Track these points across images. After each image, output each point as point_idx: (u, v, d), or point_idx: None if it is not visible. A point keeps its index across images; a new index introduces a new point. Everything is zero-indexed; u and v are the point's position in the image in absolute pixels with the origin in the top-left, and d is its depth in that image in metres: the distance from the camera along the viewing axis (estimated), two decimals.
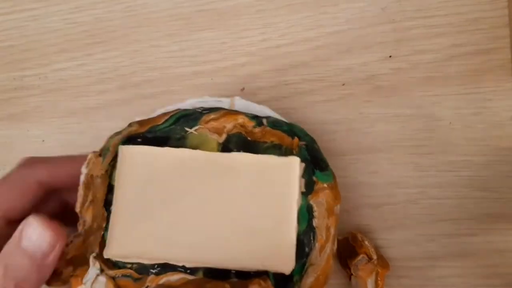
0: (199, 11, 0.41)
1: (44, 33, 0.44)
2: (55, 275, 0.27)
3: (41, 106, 0.44)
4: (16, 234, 0.26)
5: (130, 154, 0.30)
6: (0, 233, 0.27)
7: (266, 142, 0.31)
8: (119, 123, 0.42)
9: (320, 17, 0.38)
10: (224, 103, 0.33)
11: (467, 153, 0.35)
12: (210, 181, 0.29)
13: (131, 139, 0.31)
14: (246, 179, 0.29)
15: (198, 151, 0.30)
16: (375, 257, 0.33)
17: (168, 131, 0.31)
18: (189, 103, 0.33)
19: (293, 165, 0.30)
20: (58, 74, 0.44)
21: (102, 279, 0.28)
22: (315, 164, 0.31)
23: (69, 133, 0.43)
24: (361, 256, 0.34)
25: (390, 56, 0.37)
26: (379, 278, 0.33)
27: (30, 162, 0.29)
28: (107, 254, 0.28)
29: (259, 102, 0.39)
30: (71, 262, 0.28)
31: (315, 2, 0.38)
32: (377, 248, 0.35)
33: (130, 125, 0.31)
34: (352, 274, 0.34)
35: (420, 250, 0.35)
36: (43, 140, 0.44)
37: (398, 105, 0.36)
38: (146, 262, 0.29)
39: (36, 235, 0.26)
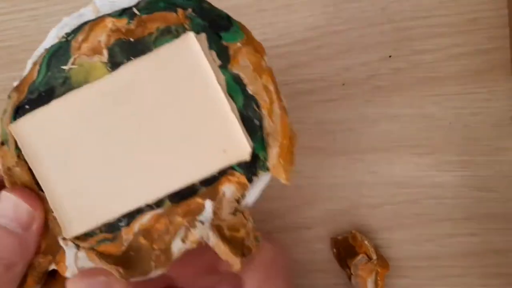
0: None
1: (44, 33, 0.44)
2: (49, 276, 0.27)
3: None
4: None
5: (23, 130, 0.26)
6: None
7: (151, 33, 0.26)
8: None
9: (320, 17, 0.38)
10: (86, 13, 0.27)
11: (467, 153, 0.35)
12: (117, 111, 0.25)
13: (18, 111, 0.27)
14: (150, 89, 0.25)
15: (84, 88, 0.25)
16: (375, 257, 0.33)
17: (48, 82, 0.26)
18: (52, 35, 0.27)
19: (190, 43, 0.25)
20: None
21: (82, 254, 0.26)
22: (216, 27, 0.26)
23: None
24: (361, 256, 0.34)
25: (390, 56, 0.37)
26: (379, 278, 0.33)
27: None
28: (67, 235, 0.26)
29: None
30: (47, 252, 0.27)
31: (315, 2, 0.38)
32: (377, 248, 0.35)
33: (9, 97, 0.27)
34: (352, 274, 0.34)
35: (420, 250, 0.35)
36: None
37: (398, 105, 0.36)
38: (110, 220, 0.26)
39: (11, 209, 0.25)
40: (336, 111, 0.37)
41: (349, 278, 0.35)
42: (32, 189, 0.26)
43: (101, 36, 0.26)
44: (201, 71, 0.25)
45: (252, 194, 0.26)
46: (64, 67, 0.26)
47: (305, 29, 0.38)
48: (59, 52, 0.26)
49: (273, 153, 0.26)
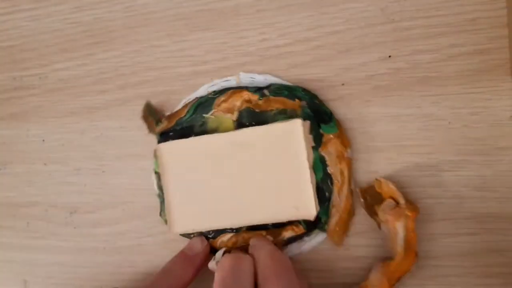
0: (199, 11, 0.41)
1: (44, 33, 0.44)
2: None
3: (41, 106, 0.44)
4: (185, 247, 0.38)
5: (166, 150, 0.37)
6: None
7: (272, 110, 0.36)
8: (119, 123, 0.42)
9: (320, 17, 0.38)
10: (231, 81, 0.38)
11: (466, 152, 0.35)
12: (232, 157, 0.35)
13: (163, 134, 0.38)
14: (261, 148, 0.35)
15: (215, 135, 0.36)
16: (402, 201, 0.33)
17: (191, 121, 0.38)
18: (203, 88, 0.39)
19: (296, 126, 0.34)
20: (58, 74, 0.44)
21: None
22: (319, 119, 0.36)
23: (69, 133, 0.43)
24: (387, 200, 0.34)
25: (389, 56, 0.37)
26: (409, 222, 0.33)
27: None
28: (171, 231, 0.37)
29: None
30: None
31: (315, 2, 0.38)
32: (404, 193, 0.35)
33: (160, 122, 0.38)
34: (382, 221, 0.34)
35: (419, 250, 0.35)
36: (43, 140, 0.44)
37: (398, 105, 0.36)
38: (202, 231, 0.37)
39: (197, 245, 0.37)
40: (336, 111, 0.37)
41: (379, 226, 0.35)
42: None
43: (237, 102, 0.37)
44: (298, 147, 0.34)
45: (307, 246, 0.37)
46: (205, 114, 0.38)
47: (305, 29, 0.38)
48: (205, 103, 0.38)
49: (333, 221, 0.35)
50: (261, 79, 0.38)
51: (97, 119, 0.43)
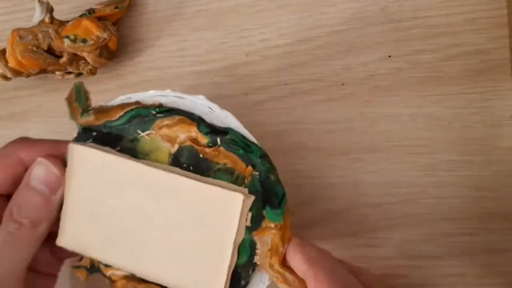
0: (199, 11, 0.41)
1: None
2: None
3: (41, 106, 0.44)
4: (25, 176, 0.29)
5: (80, 155, 0.30)
6: None
7: (218, 163, 0.29)
8: None
9: (320, 17, 0.38)
10: (186, 100, 0.30)
11: (466, 152, 0.35)
12: (155, 197, 0.29)
13: (86, 130, 0.31)
14: (190, 204, 0.28)
15: (147, 169, 0.29)
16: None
17: (122, 130, 0.30)
18: (150, 94, 0.30)
19: (236, 200, 0.28)
20: (57, 73, 0.44)
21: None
22: (267, 199, 0.29)
23: (69, 133, 0.43)
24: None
25: (389, 56, 0.37)
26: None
27: (19, 141, 0.31)
28: (58, 242, 0.30)
29: (259, 102, 0.39)
30: None
31: (315, 2, 0.38)
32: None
33: (87, 113, 0.31)
34: None
35: (419, 250, 0.35)
36: None
37: (398, 105, 0.36)
38: (89, 256, 0.31)
39: (44, 173, 0.29)
40: (336, 111, 0.37)
41: None
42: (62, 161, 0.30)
43: (181, 135, 0.29)
44: (229, 222, 0.28)
45: None
46: (139, 131, 0.30)
47: (305, 29, 0.38)
48: (145, 118, 0.30)
49: None
50: (221, 116, 0.30)
51: None
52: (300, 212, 0.37)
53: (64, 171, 0.30)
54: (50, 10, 0.39)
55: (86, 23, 0.38)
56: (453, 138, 0.36)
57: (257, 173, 0.29)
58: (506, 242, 0.34)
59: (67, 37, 0.38)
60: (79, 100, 0.32)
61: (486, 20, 0.35)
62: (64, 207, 0.30)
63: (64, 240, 0.30)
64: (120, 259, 0.30)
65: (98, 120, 0.31)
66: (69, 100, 0.32)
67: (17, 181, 0.29)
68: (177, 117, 0.29)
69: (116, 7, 0.40)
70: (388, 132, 0.37)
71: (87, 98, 0.32)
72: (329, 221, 0.37)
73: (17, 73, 0.40)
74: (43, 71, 0.41)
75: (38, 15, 0.39)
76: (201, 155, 0.29)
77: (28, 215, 0.28)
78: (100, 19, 0.39)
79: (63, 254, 0.32)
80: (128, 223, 0.29)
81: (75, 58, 0.40)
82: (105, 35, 0.38)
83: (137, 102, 0.30)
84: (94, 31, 0.38)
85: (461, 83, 0.35)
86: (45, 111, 0.44)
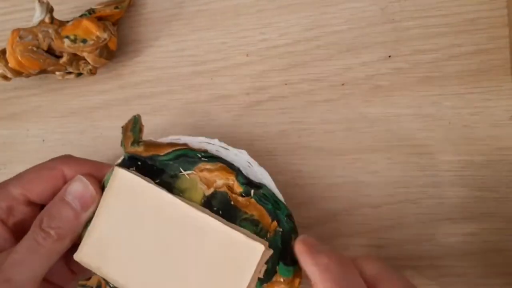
0: (199, 10, 0.41)
1: None
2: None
3: (41, 106, 0.44)
4: (62, 190, 0.31)
5: (122, 178, 0.31)
6: (19, 210, 0.31)
7: (246, 213, 0.31)
8: (119, 123, 0.42)
9: (320, 17, 0.38)
10: (230, 152, 0.33)
11: (466, 153, 0.35)
12: (181, 232, 0.30)
13: (132, 158, 0.33)
14: (212, 244, 0.29)
15: (181, 203, 0.30)
16: None
17: (166, 165, 0.32)
18: (198, 140, 0.33)
19: (256, 251, 0.29)
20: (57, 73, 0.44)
21: None
22: (283, 256, 0.30)
23: (69, 133, 0.43)
24: None
25: (389, 56, 0.37)
26: None
27: (64, 157, 0.33)
28: (76, 256, 0.31)
29: (259, 102, 0.39)
30: None
31: (315, 2, 0.38)
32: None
33: (139, 144, 0.33)
34: None
35: (419, 250, 0.35)
36: (43, 140, 0.44)
37: (398, 105, 0.36)
38: (104, 278, 0.31)
39: (81, 189, 0.30)
40: (336, 111, 0.37)
41: None
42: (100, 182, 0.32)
43: (220, 180, 0.32)
44: (245, 270, 0.29)
45: None
46: (181, 169, 0.32)
47: (305, 29, 0.38)
48: (189, 159, 0.32)
49: None
50: (257, 172, 0.32)
51: (97, 119, 0.43)
52: (300, 212, 0.37)
53: (100, 191, 0.31)
54: (50, 10, 0.39)
55: (86, 23, 0.38)
56: (453, 138, 0.35)
57: (281, 229, 0.31)
58: (506, 242, 0.34)
59: (67, 37, 0.38)
60: (133, 130, 0.33)
61: (486, 20, 0.35)
62: (92, 223, 0.31)
63: (83, 255, 0.31)
64: (132, 284, 0.30)
65: (146, 152, 0.33)
66: (125, 129, 0.34)
67: (55, 194, 0.31)
68: (219, 164, 0.32)
69: (116, 7, 0.40)
70: (388, 132, 0.37)
71: (141, 131, 0.34)
72: (329, 221, 0.37)
73: (17, 73, 0.40)
74: (43, 71, 0.41)
75: (38, 15, 0.39)
76: (232, 203, 0.31)
77: (56, 227, 0.29)
78: (100, 19, 0.39)
79: (76, 268, 0.33)
80: (148, 251, 0.30)
81: (75, 58, 0.40)
82: (105, 35, 0.38)
83: (185, 144, 0.33)
84: (94, 31, 0.38)
85: (461, 83, 0.35)
86: (45, 111, 0.44)
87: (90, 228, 0.31)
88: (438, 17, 0.36)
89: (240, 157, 0.32)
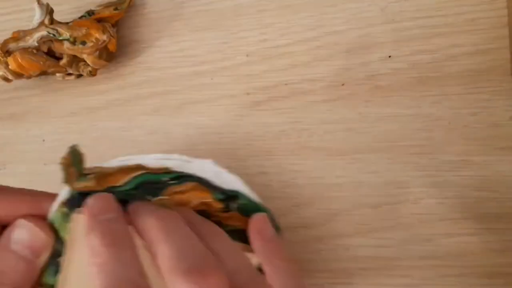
0: (199, 11, 0.41)
1: None
2: None
3: (41, 106, 0.44)
4: (3, 239, 0.26)
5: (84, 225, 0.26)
6: None
7: (228, 226, 0.29)
8: (119, 123, 0.42)
9: (320, 17, 0.38)
10: (194, 164, 0.29)
11: (466, 153, 0.35)
12: None
13: (83, 194, 0.27)
14: None
15: None
16: None
17: (128, 195, 0.27)
18: (153, 157, 0.29)
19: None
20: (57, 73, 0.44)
21: None
22: None
23: (69, 133, 0.43)
24: None
25: (389, 56, 0.37)
26: None
27: None
28: None
29: (259, 102, 0.39)
30: None
31: (315, 2, 0.38)
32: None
33: (86, 178, 0.27)
34: None
35: (419, 250, 0.35)
36: (44, 140, 0.44)
37: (398, 105, 0.36)
38: None
39: (28, 237, 0.26)
40: (336, 111, 0.37)
41: None
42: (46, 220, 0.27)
43: (195, 200, 0.28)
44: None
45: None
46: (150, 197, 0.27)
47: (305, 29, 0.38)
48: (155, 185, 0.28)
49: None
50: (228, 180, 0.29)
51: (97, 119, 0.43)
52: (300, 213, 0.37)
53: (51, 232, 0.26)
54: (50, 11, 0.39)
55: (85, 25, 0.38)
56: (453, 138, 0.35)
57: None
58: (506, 242, 0.34)
59: (67, 39, 0.38)
60: (75, 164, 0.28)
61: (486, 20, 0.35)
62: (63, 275, 0.26)
63: None
64: None
65: (99, 186, 0.27)
66: (65, 164, 0.28)
67: None
68: (190, 184, 0.29)
69: (116, 9, 0.40)
70: (388, 132, 0.37)
71: (82, 161, 0.28)
72: (329, 221, 0.37)
73: (17, 75, 0.40)
74: (43, 73, 0.41)
75: (38, 17, 0.39)
76: (213, 219, 0.29)
77: (10, 281, 0.25)
78: (100, 21, 0.39)
79: None
80: None
81: (75, 60, 0.40)
82: (104, 37, 0.38)
83: (140, 166, 0.28)
84: (93, 33, 0.38)
85: (461, 83, 0.35)
86: (45, 111, 0.44)
87: (61, 280, 0.26)
88: (438, 17, 0.36)
89: (207, 168, 0.29)
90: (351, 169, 0.37)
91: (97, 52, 0.38)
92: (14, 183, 0.45)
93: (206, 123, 0.40)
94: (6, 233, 0.26)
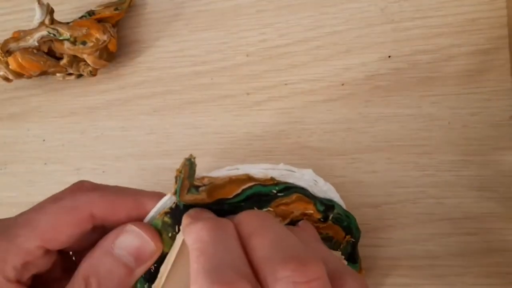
0: (199, 11, 0.41)
1: None
2: None
3: (41, 106, 0.44)
4: (106, 241, 0.25)
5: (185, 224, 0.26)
6: (37, 264, 0.25)
7: (322, 233, 0.31)
8: (119, 123, 0.42)
9: (320, 17, 0.38)
10: (296, 174, 0.30)
11: (466, 153, 0.35)
12: None
13: (189, 206, 0.27)
14: None
15: None
16: None
17: (236, 207, 0.28)
18: (260, 167, 0.29)
19: None
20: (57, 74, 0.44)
21: None
22: (351, 257, 0.33)
23: (69, 133, 0.43)
24: None
25: (389, 56, 0.37)
26: None
27: (87, 191, 0.26)
28: None
29: (259, 102, 0.39)
30: None
31: (315, 2, 0.38)
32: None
33: (197, 189, 0.27)
34: None
35: (419, 249, 0.35)
36: (44, 140, 0.44)
37: (398, 105, 0.36)
38: None
39: (136, 244, 0.25)
40: (336, 111, 0.37)
41: None
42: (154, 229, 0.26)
43: (297, 211, 0.29)
44: None
45: None
46: (255, 208, 0.28)
47: (305, 29, 0.38)
48: (264, 198, 0.28)
49: None
50: (323, 188, 0.31)
51: (97, 119, 0.43)
52: None
53: (161, 243, 0.26)
54: (50, 11, 0.39)
55: (85, 25, 0.38)
56: (453, 138, 0.35)
57: (352, 239, 0.32)
58: (506, 242, 0.34)
59: (67, 39, 0.38)
60: (190, 176, 0.27)
61: (486, 20, 0.35)
62: (161, 285, 0.26)
63: None
64: None
65: (210, 198, 0.27)
66: (183, 178, 0.27)
67: (82, 239, 0.26)
68: (295, 195, 0.29)
69: (116, 9, 0.40)
70: (388, 132, 0.37)
71: (194, 173, 0.28)
72: None
73: (18, 75, 0.40)
74: (43, 73, 0.41)
75: (38, 17, 0.39)
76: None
77: (104, 286, 0.24)
78: (100, 21, 0.39)
79: None
80: None
81: (75, 60, 0.40)
82: (104, 37, 0.38)
83: (250, 177, 0.28)
84: (93, 33, 0.38)
85: (461, 83, 0.35)
86: (45, 111, 0.44)
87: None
88: (437, 17, 0.36)
89: (306, 177, 0.30)
90: (350, 169, 0.37)
91: (98, 52, 0.38)
92: (14, 183, 0.45)
93: (206, 123, 0.40)
94: (110, 236, 0.25)
